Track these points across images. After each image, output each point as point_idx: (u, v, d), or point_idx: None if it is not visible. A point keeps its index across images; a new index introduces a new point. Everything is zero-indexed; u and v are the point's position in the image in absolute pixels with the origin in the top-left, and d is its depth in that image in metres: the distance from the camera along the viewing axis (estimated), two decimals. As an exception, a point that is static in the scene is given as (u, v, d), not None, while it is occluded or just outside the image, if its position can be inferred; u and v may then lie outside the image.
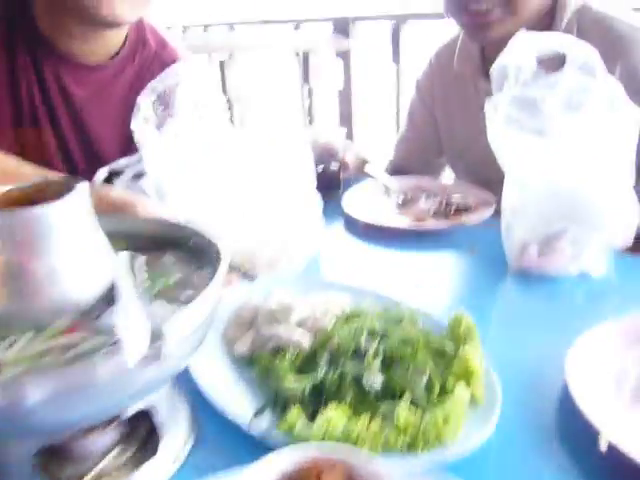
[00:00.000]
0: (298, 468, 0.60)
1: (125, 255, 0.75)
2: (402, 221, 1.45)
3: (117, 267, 0.71)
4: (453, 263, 1.32)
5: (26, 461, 0.69)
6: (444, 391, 0.81)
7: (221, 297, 0.70)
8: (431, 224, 1.42)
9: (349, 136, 1.85)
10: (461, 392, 0.78)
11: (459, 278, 1.28)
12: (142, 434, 0.79)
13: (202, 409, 0.83)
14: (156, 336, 0.56)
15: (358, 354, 0.84)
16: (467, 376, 0.82)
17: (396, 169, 1.76)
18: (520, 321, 0.98)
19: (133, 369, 0.58)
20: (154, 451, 0.76)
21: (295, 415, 0.73)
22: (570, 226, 1.20)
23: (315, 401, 0.78)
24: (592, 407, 0.75)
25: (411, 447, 0.73)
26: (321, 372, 0.81)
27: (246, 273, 0.85)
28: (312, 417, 0.75)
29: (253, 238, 1.19)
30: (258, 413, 0.79)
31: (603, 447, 0.69)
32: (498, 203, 1.41)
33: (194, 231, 0.81)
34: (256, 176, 1.22)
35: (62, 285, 0.63)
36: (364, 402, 0.78)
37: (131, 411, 0.72)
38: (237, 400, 0.82)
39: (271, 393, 0.82)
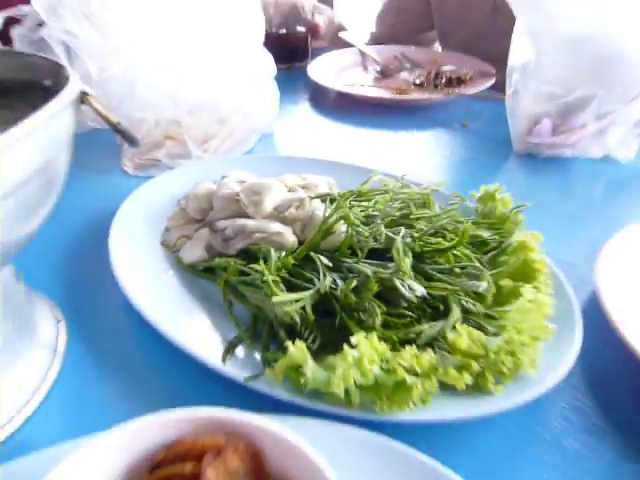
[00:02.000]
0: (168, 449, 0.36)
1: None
2: (382, 93, 1.15)
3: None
4: (441, 142, 1.05)
5: None
6: (498, 301, 0.56)
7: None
8: (416, 95, 1.13)
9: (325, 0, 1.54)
10: (531, 298, 0.52)
11: (449, 160, 1.01)
12: None
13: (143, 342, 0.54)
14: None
15: (374, 254, 0.57)
16: (528, 275, 0.57)
17: (377, 43, 1.48)
18: (526, 215, 0.69)
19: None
20: None
21: (300, 351, 0.45)
22: (596, 92, 0.94)
23: (320, 329, 0.50)
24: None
25: (477, 385, 0.47)
26: (325, 283, 0.52)
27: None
28: (316, 354, 0.47)
29: (187, 106, 0.86)
30: (231, 349, 0.51)
31: None
32: (498, 78, 1.15)
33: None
34: (197, 29, 0.87)
35: None
36: (397, 326, 0.50)
37: None
38: (194, 331, 0.54)
39: (249, 318, 0.54)
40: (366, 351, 0.43)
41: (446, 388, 0.47)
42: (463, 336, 0.48)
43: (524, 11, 0.93)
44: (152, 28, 0.81)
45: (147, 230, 0.68)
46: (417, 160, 1.00)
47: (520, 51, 0.97)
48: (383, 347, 0.45)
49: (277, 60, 1.00)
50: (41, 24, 0.81)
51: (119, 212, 0.69)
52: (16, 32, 0.83)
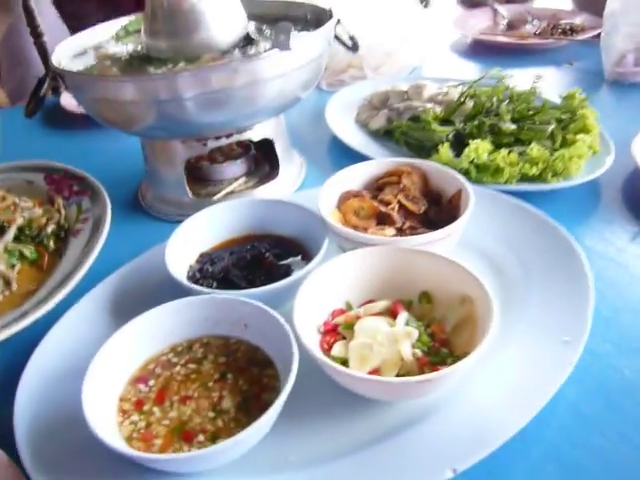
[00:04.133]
0: (385, 172, 0.81)
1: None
2: (507, 39, 1.53)
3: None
4: (552, 76, 1.40)
5: (179, 174, 0.91)
6: (565, 144, 0.95)
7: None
8: (533, 41, 1.50)
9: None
10: (582, 138, 0.91)
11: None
12: (265, 170, 1.01)
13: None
14: (286, 28, 0.79)
15: (489, 113, 0.98)
16: (585, 131, 0.96)
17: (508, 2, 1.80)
18: (613, 122, 1.04)
19: (263, 79, 0.79)
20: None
21: (445, 150, 0.89)
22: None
23: (458, 145, 0.93)
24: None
25: (541, 176, 0.88)
26: (460, 124, 0.95)
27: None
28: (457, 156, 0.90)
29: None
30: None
31: None
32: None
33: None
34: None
35: (209, 28, 0.85)
36: (500, 145, 0.92)
37: (258, 135, 0.92)
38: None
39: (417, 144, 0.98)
40: (481, 145, 0.86)
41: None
42: (535, 149, 0.89)
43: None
44: None
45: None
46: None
47: (614, 1, 1.31)
48: (490, 146, 0.87)
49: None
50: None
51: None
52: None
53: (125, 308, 0.69)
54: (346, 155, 1.03)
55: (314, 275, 0.62)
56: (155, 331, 0.60)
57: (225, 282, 0.68)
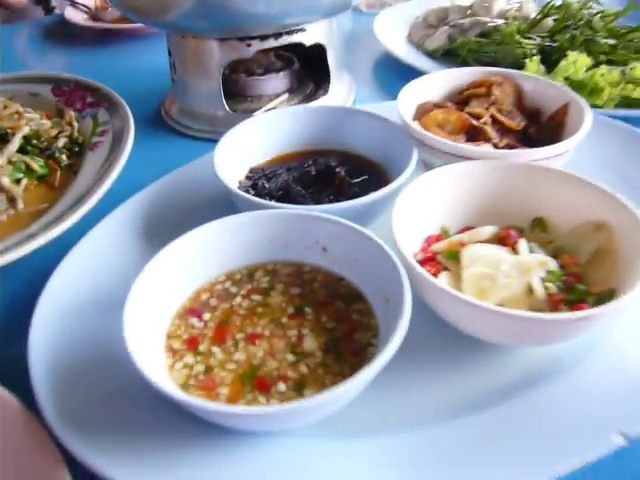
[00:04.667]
0: (470, 82, 0.67)
1: None
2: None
3: None
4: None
5: (215, 82, 0.77)
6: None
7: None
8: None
9: None
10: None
11: None
12: (310, 88, 0.86)
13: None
14: None
15: (578, 28, 0.84)
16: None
17: None
18: None
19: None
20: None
21: (535, 63, 0.75)
22: None
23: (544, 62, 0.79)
24: None
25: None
26: (541, 40, 0.81)
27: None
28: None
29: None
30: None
31: None
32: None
33: None
34: None
35: None
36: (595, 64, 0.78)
37: (310, 39, 0.78)
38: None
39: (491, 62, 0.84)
40: (580, 59, 0.72)
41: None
42: (638, 68, 0.75)
43: None
44: None
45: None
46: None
47: None
48: (589, 61, 0.73)
49: None
50: None
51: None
52: None
53: (157, 231, 0.57)
54: (400, 76, 0.88)
55: (406, 193, 0.49)
56: (207, 253, 0.47)
57: (285, 201, 0.54)
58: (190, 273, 0.46)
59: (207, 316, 0.45)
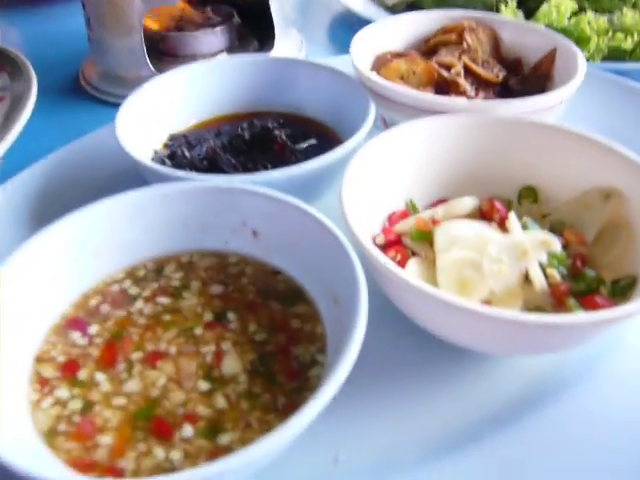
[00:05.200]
0: (437, 28, 0.57)
1: None
2: None
3: None
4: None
5: (136, 37, 0.64)
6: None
7: None
8: None
9: None
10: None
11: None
12: (253, 46, 0.74)
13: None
14: None
15: None
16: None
17: None
18: None
19: None
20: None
21: (512, 9, 0.64)
22: None
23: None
24: None
25: (635, 52, 0.64)
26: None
27: None
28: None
29: None
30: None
31: None
32: None
33: None
34: None
35: None
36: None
37: None
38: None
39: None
40: (563, 2, 0.61)
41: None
42: (628, 15, 0.65)
43: None
44: None
45: None
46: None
47: None
48: (573, 3, 0.62)
49: None
50: None
51: None
52: None
53: (53, 209, 0.44)
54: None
55: (360, 157, 0.38)
56: (98, 242, 0.35)
57: (211, 173, 0.42)
58: (74, 270, 0.34)
59: (94, 329, 0.33)
